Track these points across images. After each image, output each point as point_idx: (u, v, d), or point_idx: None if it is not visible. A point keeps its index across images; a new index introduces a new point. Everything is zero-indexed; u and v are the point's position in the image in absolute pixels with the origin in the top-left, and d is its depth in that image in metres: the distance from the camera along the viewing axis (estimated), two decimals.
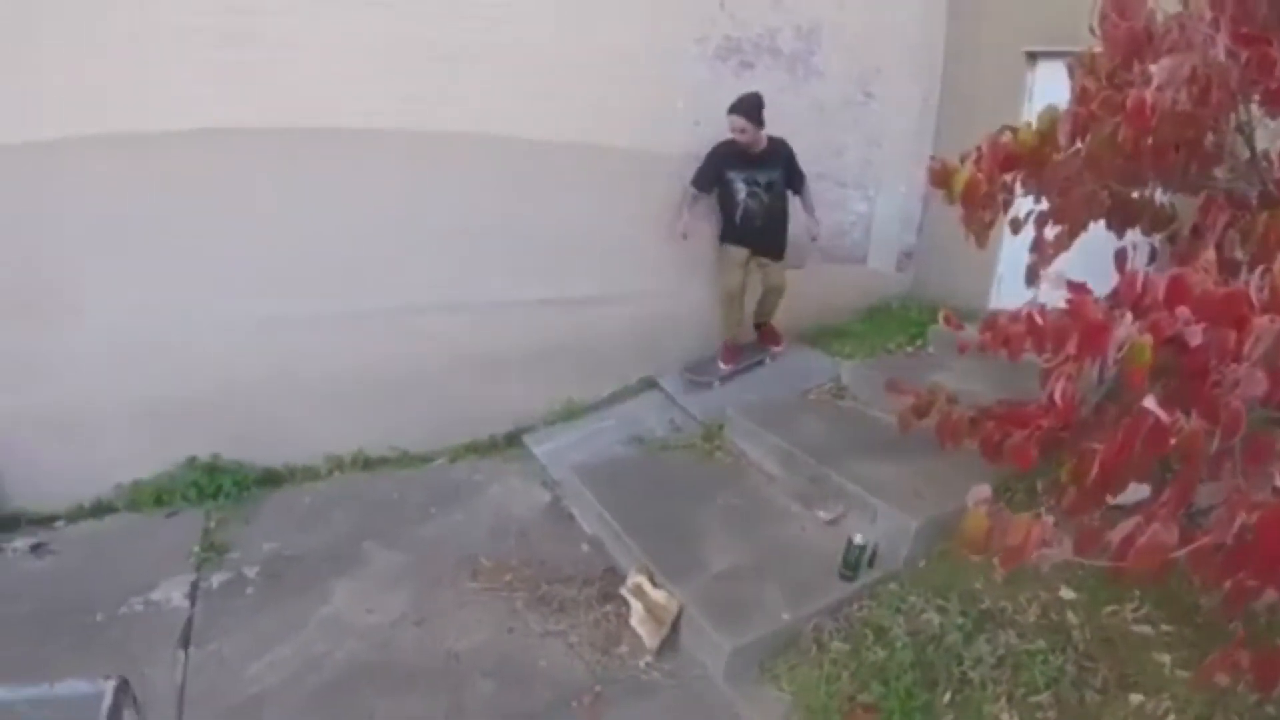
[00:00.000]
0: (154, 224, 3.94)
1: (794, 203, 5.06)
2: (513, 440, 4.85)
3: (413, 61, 4.09)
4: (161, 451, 4.28)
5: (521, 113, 4.35)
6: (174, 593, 3.68)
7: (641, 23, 4.59)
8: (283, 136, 3.98)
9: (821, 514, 3.68)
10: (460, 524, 4.11)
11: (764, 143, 4.84)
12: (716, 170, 4.87)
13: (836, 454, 3.89)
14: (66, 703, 2.95)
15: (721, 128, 4.78)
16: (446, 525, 4.11)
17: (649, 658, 3.24)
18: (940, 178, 2.99)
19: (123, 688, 2.21)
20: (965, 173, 2.88)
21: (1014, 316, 2.54)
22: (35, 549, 4.06)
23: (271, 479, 4.44)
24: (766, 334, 5.50)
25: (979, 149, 2.91)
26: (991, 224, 3.05)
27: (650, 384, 5.20)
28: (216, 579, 3.77)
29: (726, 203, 4.98)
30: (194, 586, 3.73)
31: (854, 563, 3.31)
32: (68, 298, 3.93)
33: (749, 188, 4.88)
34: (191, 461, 4.31)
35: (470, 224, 4.41)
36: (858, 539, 3.31)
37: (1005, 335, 2.58)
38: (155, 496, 4.24)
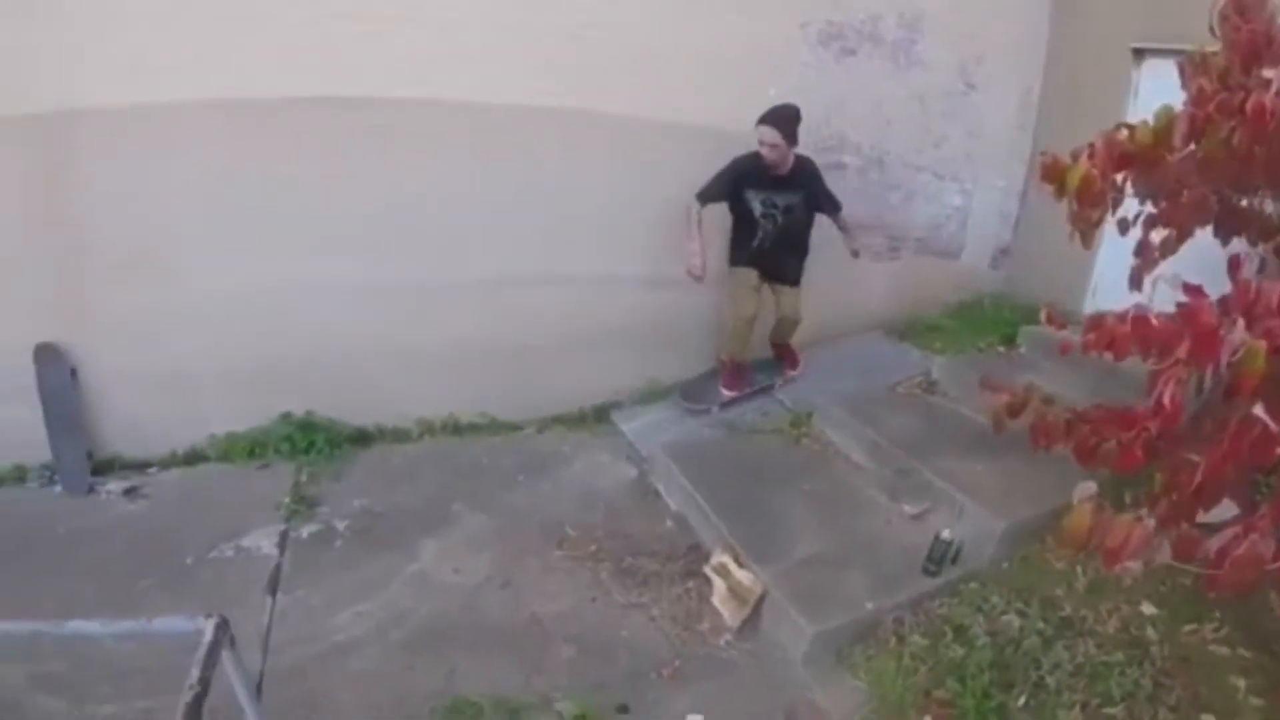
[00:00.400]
0: (259, 189, 4.24)
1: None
2: (601, 415, 5.06)
3: (519, 36, 4.29)
4: (256, 406, 4.60)
5: (625, 90, 4.53)
6: (263, 541, 3.99)
7: (745, 4, 4.69)
8: (387, 107, 4.22)
9: (907, 508, 3.82)
10: (547, 493, 4.35)
11: (791, 163, 4.62)
12: (732, 186, 4.63)
13: (925, 448, 4.02)
14: (156, 638, 3.21)
15: (820, 112, 4.89)
16: (534, 493, 4.35)
17: (729, 636, 3.44)
18: (1052, 173, 3.01)
19: (222, 626, 2.41)
20: (1080, 169, 2.92)
21: (1121, 318, 2.60)
22: (128, 492, 4.40)
23: (362, 438, 4.73)
24: (786, 355, 5.33)
25: (1092, 145, 2.92)
26: (1099, 223, 3.10)
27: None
28: (306, 530, 4.07)
29: (740, 223, 4.79)
30: (283, 536, 4.03)
31: (939, 558, 3.44)
32: (171, 257, 4.27)
33: (765, 209, 4.68)
34: (286, 417, 4.63)
35: (571, 199, 4.60)
36: (945, 534, 3.44)
37: (1111, 337, 2.63)
38: (248, 448, 4.57)
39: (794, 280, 4.93)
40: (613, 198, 4.66)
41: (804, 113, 4.79)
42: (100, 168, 4.10)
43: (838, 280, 5.16)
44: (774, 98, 4.70)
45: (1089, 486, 2.42)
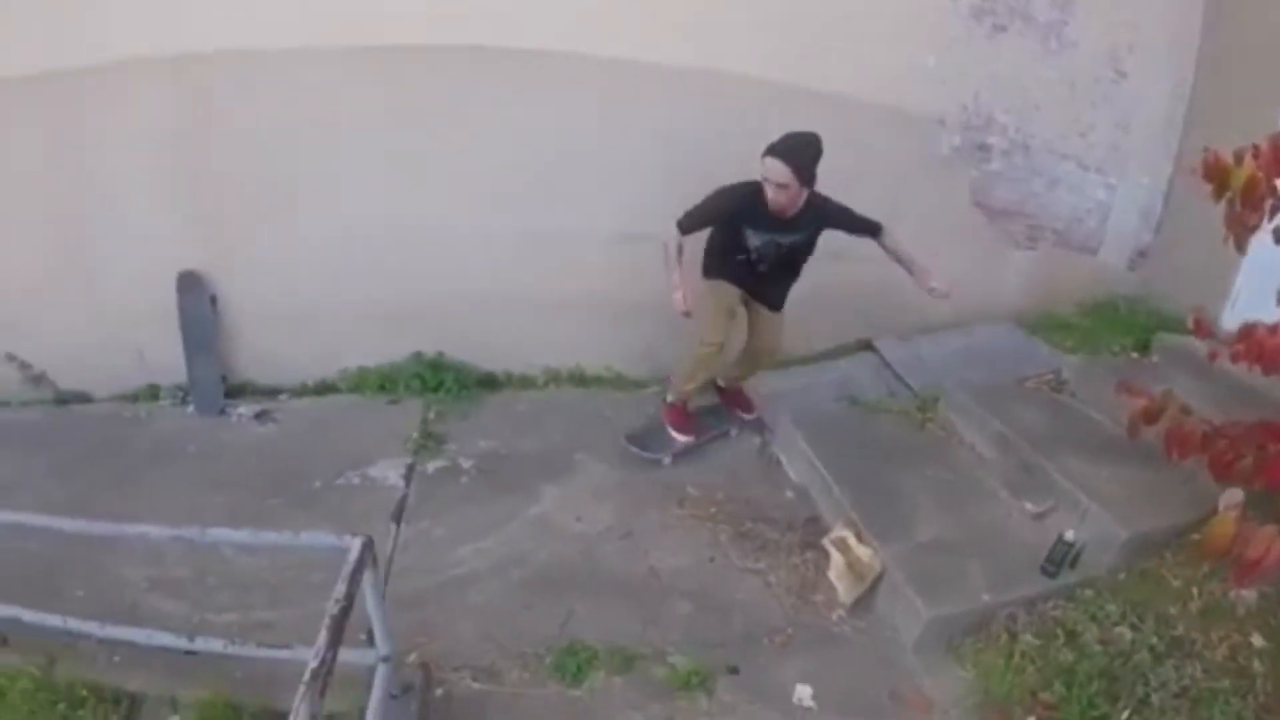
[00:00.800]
0: (401, 134, 4.51)
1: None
2: None
3: None
4: (388, 343, 4.93)
5: (771, 54, 4.58)
6: (390, 472, 4.31)
7: None
8: (529, 59, 4.41)
9: (1029, 505, 3.86)
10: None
11: (800, 204, 3.93)
12: (723, 221, 4.04)
13: (1051, 447, 4.02)
14: (282, 553, 3.46)
15: (970, 89, 4.88)
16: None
17: (842, 611, 3.59)
18: (1213, 171, 2.96)
19: (368, 546, 2.56)
20: (1246, 169, 2.83)
21: (1273, 329, 2.66)
22: (259, 416, 4.76)
23: (490, 382, 5.01)
24: (737, 398, 4.80)
25: (1256, 146, 2.86)
26: (1256, 229, 3.07)
27: (866, 346, 5.31)
28: (432, 466, 4.38)
29: (727, 241, 4.14)
30: (410, 469, 4.34)
31: (1059, 559, 3.48)
32: (311, 196, 4.61)
33: (765, 245, 4.06)
34: (417, 356, 4.95)
35: (714, 161, 4.53)
36: (1069, 535, 3.46)
37: (1261, 348, 2.69)
38: (379, 383, 4.91)
39: (778, 304, 4.35)
40: (752, 163, 4.62)
41: (954, 88, 4.85)
42: (246, 107, 4.43)
43: (973, 267, 5.19)
44: (931, 69, 4.75)
45: (1236, 493, 2.49)
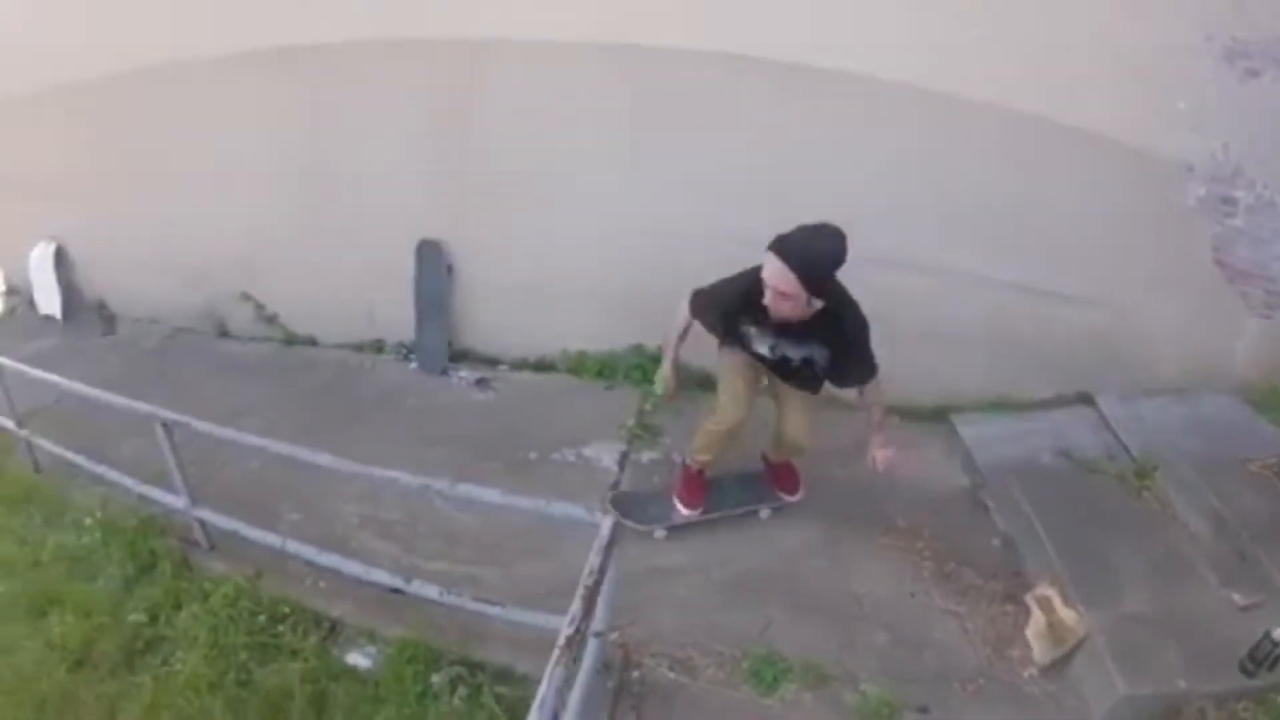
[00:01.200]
0: (641, 133, 4.81)
1: None
2: (939, 415, 5.06)
3: (926, 15, 4.49)
4: (610, 332, 5.23)
5: (1022, 85, 4.56)
6: (604, 455, 4.63)
7: (1151, 11, 4.55)
8: (784, 71, 4.57)
9: (1236, 596, 3.72)
10: (876, 480, 4.33)
11: (809, 313, 3.31)
12: (726, 313, 3.63)
13: (1269, 538, 3.88)
14: (490, 511, 3.73)
15: (1219, 136, 4.71)
16: (862, 476, 4.29)
17: (1034, 671, 3.60)
18: None
19: (619, 526, 2.80)
20: None
21: None
22: (479, 382, 5.20)
23: (706, 383, 4.89)
24: (780, 474, 4.34)
25: None
26: None
27: (1086, 399, 5.08)
28: (646, 456, 4.68)
29: (733, 341, 3.76)
30: (624, 456, 4.64)
31: (1261, 659, 3.36)
32: (553, 182, 5.00)
33: (773, 354, 3.65)
34: (637, 348, 5.22)
35: (955, 190, 4.71)
36: (1277, 634, 3.33)
37: None
38: (597, 368, 5.24)
39: (815, 387, 3.83)
40: (998, 196, 4.70)
41: (1204, 134, 4.67)
42: (501, 93, 4.83)
43: (1202, 329, 5.05)
44: (1182, 113, 4.61)
45: None
